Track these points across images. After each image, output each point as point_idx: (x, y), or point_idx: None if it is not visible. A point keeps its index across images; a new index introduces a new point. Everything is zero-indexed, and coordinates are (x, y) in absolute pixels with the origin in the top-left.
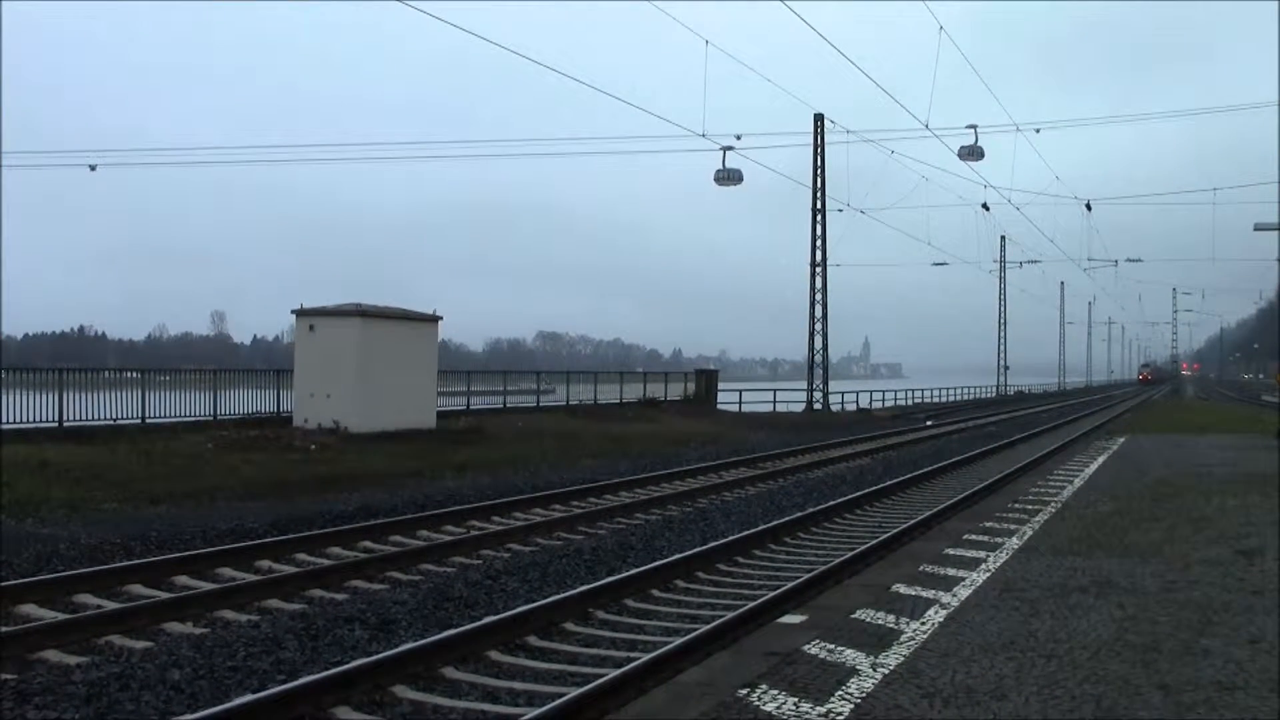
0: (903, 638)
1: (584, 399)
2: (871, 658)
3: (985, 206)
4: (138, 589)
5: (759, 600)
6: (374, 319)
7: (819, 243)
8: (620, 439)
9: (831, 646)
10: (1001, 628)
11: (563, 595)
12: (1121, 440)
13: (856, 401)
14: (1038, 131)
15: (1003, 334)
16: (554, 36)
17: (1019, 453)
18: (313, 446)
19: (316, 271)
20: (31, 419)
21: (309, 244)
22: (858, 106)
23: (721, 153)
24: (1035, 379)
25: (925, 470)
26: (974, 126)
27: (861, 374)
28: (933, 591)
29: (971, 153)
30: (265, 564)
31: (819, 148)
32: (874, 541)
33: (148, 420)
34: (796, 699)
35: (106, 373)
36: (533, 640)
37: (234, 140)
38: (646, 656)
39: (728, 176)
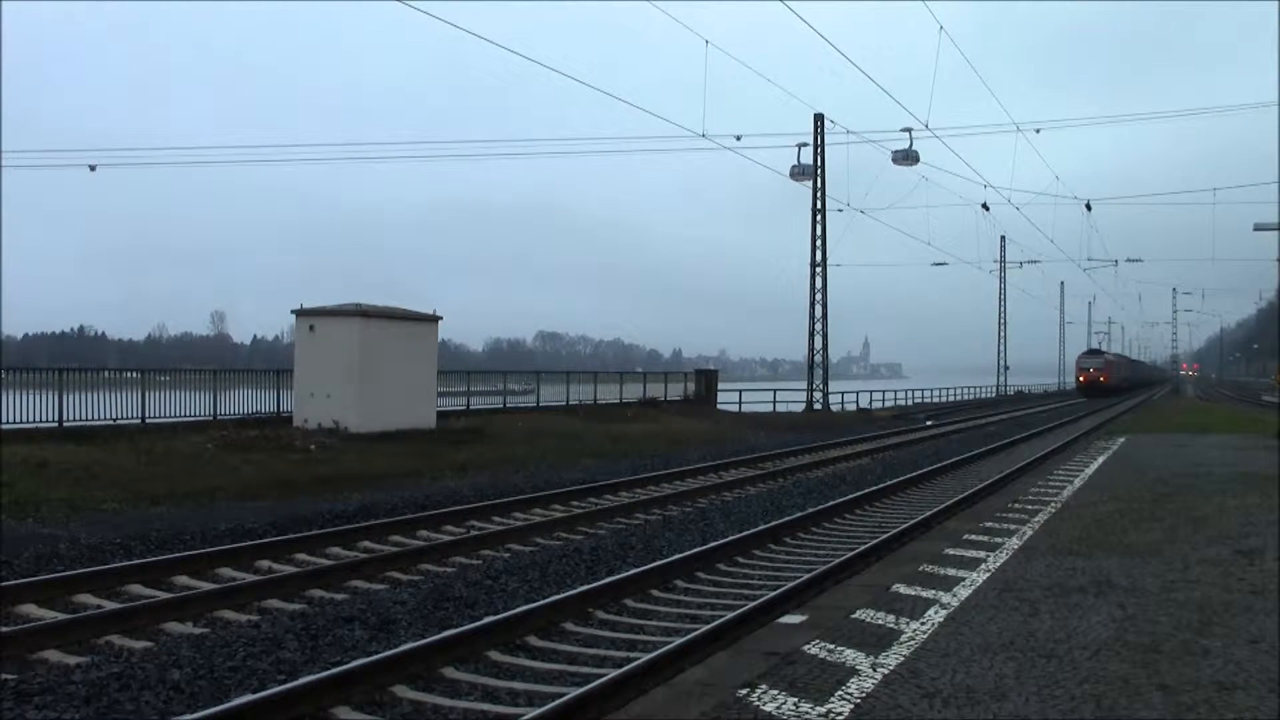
0: (903, 638)
1: (584, 399)
2: (871, 658)
3: (985, 206)
4: (138, 589)
5: (759, 600)
6: (374, 319)
7: (819, 243)
8: (620, 439)
9: (831, 646)
10: (1001, 628)
11: (562, 595)
12: (1121, 440)
13: (856, 401)
14: (1038, 131)
15: (1003, 334)
16: (554, 36)
17: (1019, 453)
18: (313, 446)
19: (317, 271)
20: (31, 419)
21: (309, 244)
22: (858, 106)
23: (796, 149)
24: (1035, 379)
25: (925, 470)
26: (909, 130)
27: (861, 374)
28: (933, 591)
29: (906, 156)
30: (265, 564)
31: (819, 148)
32: (874, 541)
33: (148, 420)
34: (796, 699)
35: (106, 373)
36: (532, 640)
37: (234, 140)
38: (646, 656)
39: (802, 172)
